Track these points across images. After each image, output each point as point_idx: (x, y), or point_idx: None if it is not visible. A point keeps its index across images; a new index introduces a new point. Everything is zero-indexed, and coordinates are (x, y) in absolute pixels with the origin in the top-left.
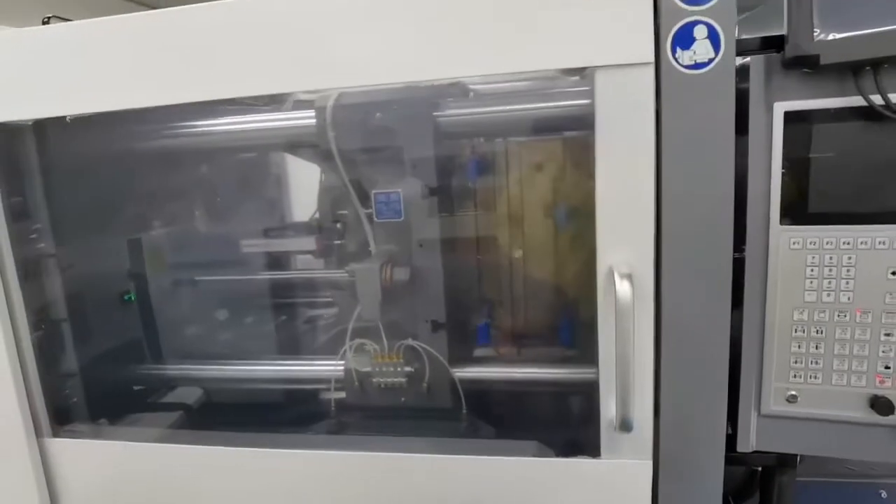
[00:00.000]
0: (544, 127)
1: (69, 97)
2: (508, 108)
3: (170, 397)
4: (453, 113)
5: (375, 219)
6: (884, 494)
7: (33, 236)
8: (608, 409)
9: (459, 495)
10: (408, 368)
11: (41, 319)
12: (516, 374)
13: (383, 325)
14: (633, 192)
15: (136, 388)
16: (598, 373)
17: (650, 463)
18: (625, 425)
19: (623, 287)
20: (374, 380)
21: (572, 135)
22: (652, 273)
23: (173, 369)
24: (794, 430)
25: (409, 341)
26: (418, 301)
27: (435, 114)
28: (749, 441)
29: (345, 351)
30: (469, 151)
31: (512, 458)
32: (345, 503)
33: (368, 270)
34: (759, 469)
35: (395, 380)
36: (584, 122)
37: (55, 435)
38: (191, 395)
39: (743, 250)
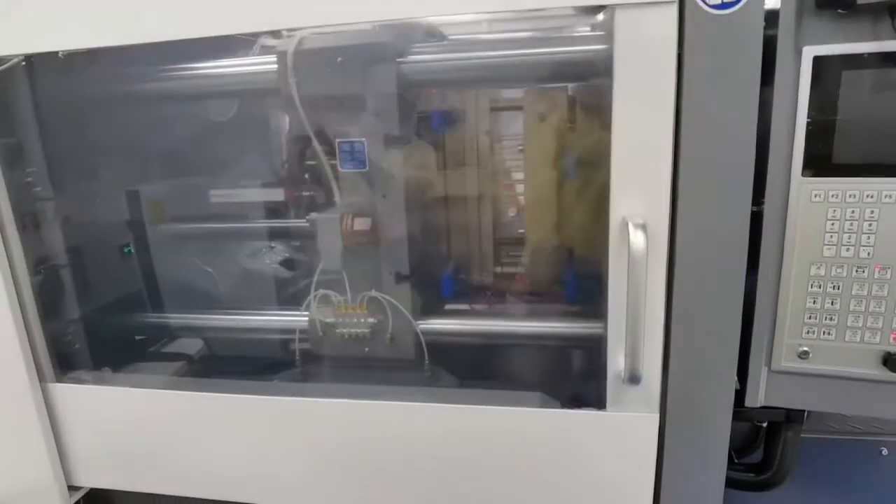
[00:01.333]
0: (534, 76)
1: (60, 31)
2: (504, 54)
3: (171, 348)
4: (421, 59)
5: (340, 168)
6: (885, 451)
7: (29, 179)
8: (615, 361)
9: (462, 444)
10: (371, 320)
11: (40, 264)
12: (484, 327)
13: (347, 276)
14: (651, 141)
15: (136, 337)
16: (589, 326)
17: (657, 416)
18: (634, 378)
19: (637, 237)
20: (338, 330)
21: (553, 84)
22: (666, 224)
23: (172, 318)
24: (804, 386)
25: (373, 292)
26: (382, 253)
27: (399, 60)
28: (758, 396)
29: (308, 301)
30: (439, 101)
31: (516, 408)
32: (352, 449)
33: (328, 220)
34: (764, 425)
35: (359, 331)
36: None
37: (58, 381)
38: (192, 346)
39: (761, 203)
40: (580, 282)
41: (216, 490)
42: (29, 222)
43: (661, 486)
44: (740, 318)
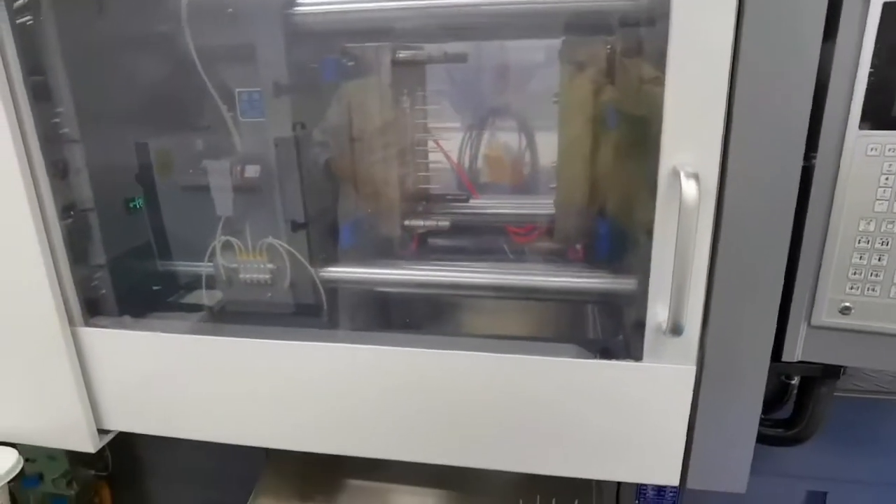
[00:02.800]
0: None
1: None
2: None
3: (189, 299)
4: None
5: (240, 118)
6: None
7: (56, 120)
8: (655, 313)
9: (493, 394)
10: (270, 266)
11: (68, 208)
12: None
13: (248, 223)
14: (705, 89)
15: (154, 287)
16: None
17: (694, 368)
18: (677, 329)
19: (689, 187)
20: (241, 276)
21: None
22: (717, 175)
23: (189, 267)
24: (844, 341)
25: (269, 239)
26: (277, 201)
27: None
28: (795, 351)
29: (213, 248)
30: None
31: (554, 358)
32: (378, 396)
33: (219, 167)
34: (793, 381)
35: (260, 276)
36: None
37: (87, 325)
38: (210, 297)
39: (812, 157)
40: (612, 237)
41: (241, 436)
42: (58, 165)
43: (693, 438)
44: (784, 271)
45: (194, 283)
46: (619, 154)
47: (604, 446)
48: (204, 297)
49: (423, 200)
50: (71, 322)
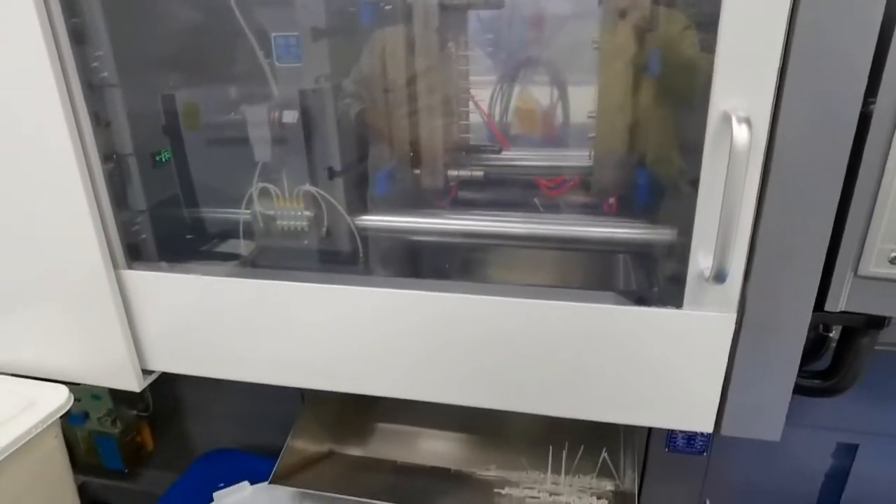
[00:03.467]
0: None
1: None
2: None
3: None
4: None
5: (276, 63)
6: None
7: (95, 64)
8: (697, 260)
9: (529, 340)
10: (307, 213)
11: (109, 152)
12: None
13: (284, 170)
14: (761, 32)
15: (193, 234)
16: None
17: (734, 315)
18: (720, 276)
19: (741, 132)
20: (278, 223)
21: None
22: (768, 120)
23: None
24: (890, 292)
25: (307, 186)
26: (314, 147)
27: None
28: (839, 301)
29: (250, 195)
30: None
31: (592, 304)
32: (413, 338)
33: (256, 112)
34: (831, 334)
35: (297, 223)
36: None
37: (130, 268)
38: (247, 246)
39: (871, 103)
40: (652, 188)
41: (278, 376)
42: (98, 109)
43: (730, 386)
44: (833, 220)
45: (232, 230)
46: (662, 102)
47: (640, 392)
48: (241, 244)
49: (456, 151)
50: (115, 265)
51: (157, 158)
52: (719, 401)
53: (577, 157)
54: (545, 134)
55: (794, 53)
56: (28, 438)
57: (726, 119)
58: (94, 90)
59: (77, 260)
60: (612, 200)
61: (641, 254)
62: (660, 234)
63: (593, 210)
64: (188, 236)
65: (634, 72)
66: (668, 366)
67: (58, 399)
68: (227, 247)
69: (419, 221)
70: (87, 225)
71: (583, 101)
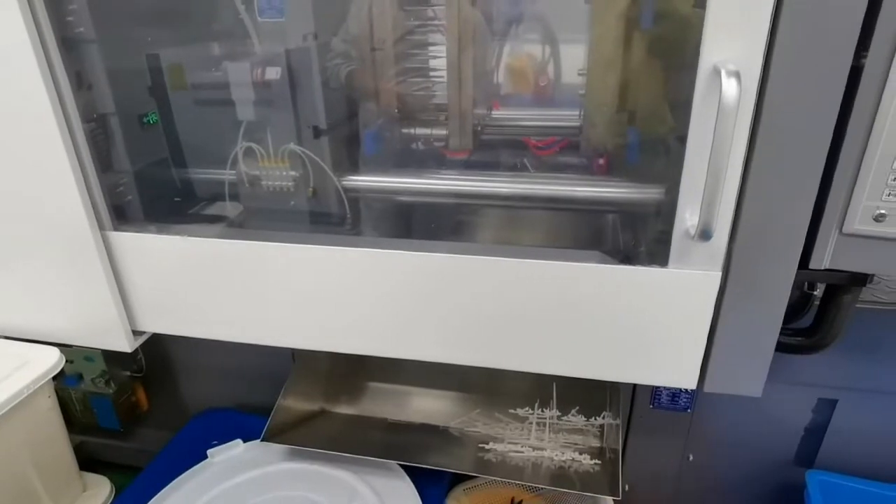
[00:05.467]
0: None
1: None
2: None
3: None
4: None
5: (259, 18)
6: None
7: (70, 18)
8: (683, 218)
9: (515, 299)
10: (293, 173)
11: (90, 111)
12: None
13: (269, 129)
14: None
15: (179, 197)
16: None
17: (719, 273)
18: (706, 233)
19: (730, 86)
20: (264, 183)
21: None
22: (758, 74)
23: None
24: (875, 249)
25: (291, 146)
26: (298, 105)
27: None
28: (824, 259)
29: (235, 154)
30: None
31: (577, 263)
32: (400, 298)
33: (239, 68)
34: (816, 292)
35: (283, 184)
36: None
37: (116, 229)
38: (233, 209)
39: (863, 56)
40: (642, 145)
41: (267, 337)
42: (76, 63)
43: (713, 343)
44: (820, 177)
45: (219, 192)
46: (654, 57)
47: (625, 350)
48: (227, 205)
49: (443, 111)
50: (101, 226)
51: (145, 120)
52: (703, 358)
53: (567, 117)
54: (536, 93)
55: (785, 5)
56: (21, 398)
57: (716, 73)
58: (70, 46)
59: (63, 222)
60: (602, 160)
61: (629, 213)
62: (648, 194)
63: (583, 170)
64: (175, 199)
65: (626, 25)
66: (653, 324)
67: (49, 359)
68: (214, 209)
69: (406, 182)
70: (70, 186)
71: (574, 60)
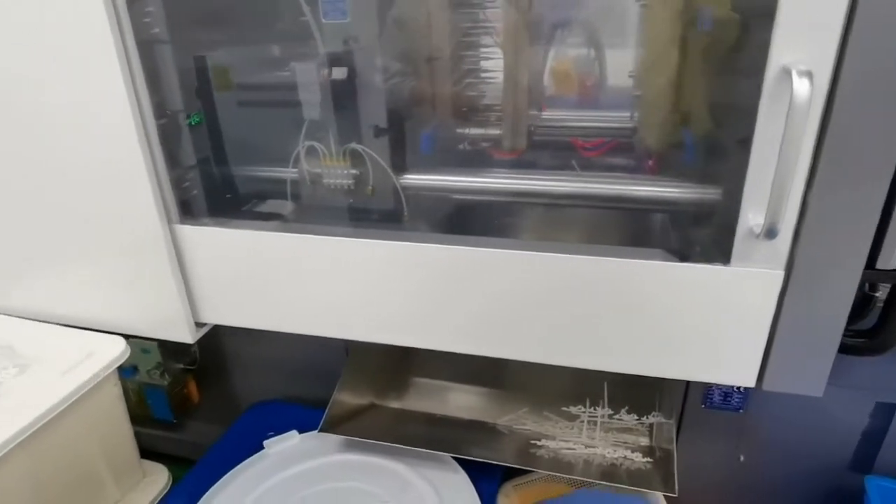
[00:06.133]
0: None
1: None
2: None
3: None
4: None
5: (323, 19)
6: None
7: (147, 20)
8: (747, 216)
9: (575, 295)
10: (353, 171)
11: (161, 108)
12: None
13: (330, 128)
14: None
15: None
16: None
17: (782, 273)
18: (772, 232)
19: (801, 86)
20: (325, 181)
21: None
22: (829, 74)
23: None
24: None
25: (353, 145)
26: (361, 105)
27: None
28: (892, 259)
29: (297, 153)
30: None
31: (640, 260)
32: (462, 295)
33: (307, 69)
34: (878, 293)
35: (343, 182)
36: None
37: (182, 223)
38: (283, 206)
39: None
40: (699, 147)
41: (324, 327)
42: (149, 62)
43: (774, 342)
44: (892, 175)
45: (274, 190)
46: (711, 58)
47: (684, 347)
48: (288, 203)
49: (497, 112)
50: (169, 220)
51: (191, 122)
52: (762, 356)
53: (616, 118)
54: (585, 95)
55: (860, 6)
56: (90, 387)
57: (786, 73)
58: (145, 46)
59: (133, 215)
60: (651, 161)
61: (680, 212)
62: (705, 193)
63: (631, 170)
64: (231, 195)
65: (683, 27)
66: (713, 321)
67: (116, 349)
68: (266, 207)
69: (463, 180)
70: (143, 180)
71: (624, 61)
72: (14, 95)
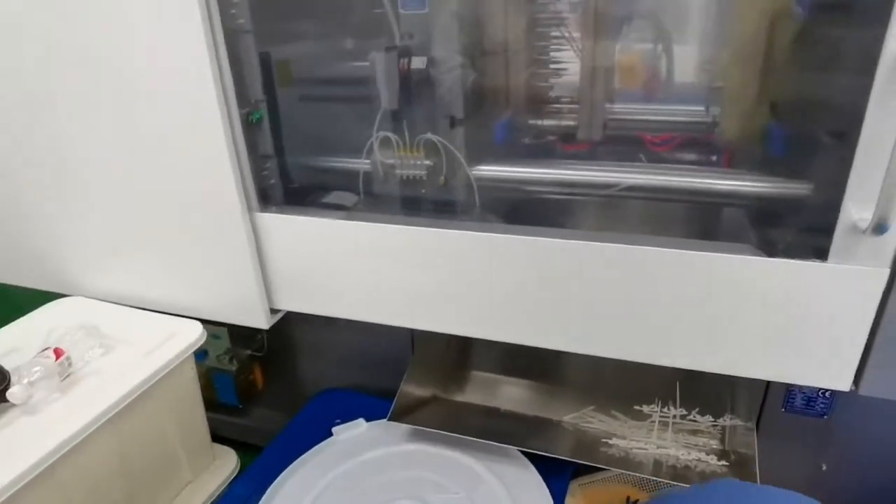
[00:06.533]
0: None
1: None
2: None
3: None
4: None
5: (401, 10)
6: None
7: (233, 11)
8: (847, 213)
9: (658, 289)
10: (427, 162)
11: (244, 97)
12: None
13: (405, 118)
14: None
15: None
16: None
17: (887, 271)
18: (881, 227)
19: None
20: (397, 172)
21: None
22: None
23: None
24: None
25: (428, 135)
26: (438, 95)
27: None
28: None
29: (370, 143)
30: None
31: (733, 255)
32: (541, 286)
33: (386, 58)
34: None
35: (416, 172)
36: None
37: (261, 211)
38: (347, 199)
39: None
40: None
41: (396, 317)
42: (233, 51)
43: (874, 343)
44: None
45: (345, 180)
46: (806, 48)
47: (774, 347)
48: (354, 194)
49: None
50: (249, 207)
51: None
52: (860, 358)
53: (687, 112)
54: (655, 88)
55: None
56: (170, 368)
57: None
58: (230, 36)
59: (216, 202)
60: (727, 155)
61: (761, 207)
62: (793, 188)
63: (705, 164)
64: (302, 186)
65: (776, 16)
66: (806, 320)
67: (194, 333)
68: (334, 198)
69: (537, 171)
70: (227, 167)
71: (698, 54)
72: (105, 84)
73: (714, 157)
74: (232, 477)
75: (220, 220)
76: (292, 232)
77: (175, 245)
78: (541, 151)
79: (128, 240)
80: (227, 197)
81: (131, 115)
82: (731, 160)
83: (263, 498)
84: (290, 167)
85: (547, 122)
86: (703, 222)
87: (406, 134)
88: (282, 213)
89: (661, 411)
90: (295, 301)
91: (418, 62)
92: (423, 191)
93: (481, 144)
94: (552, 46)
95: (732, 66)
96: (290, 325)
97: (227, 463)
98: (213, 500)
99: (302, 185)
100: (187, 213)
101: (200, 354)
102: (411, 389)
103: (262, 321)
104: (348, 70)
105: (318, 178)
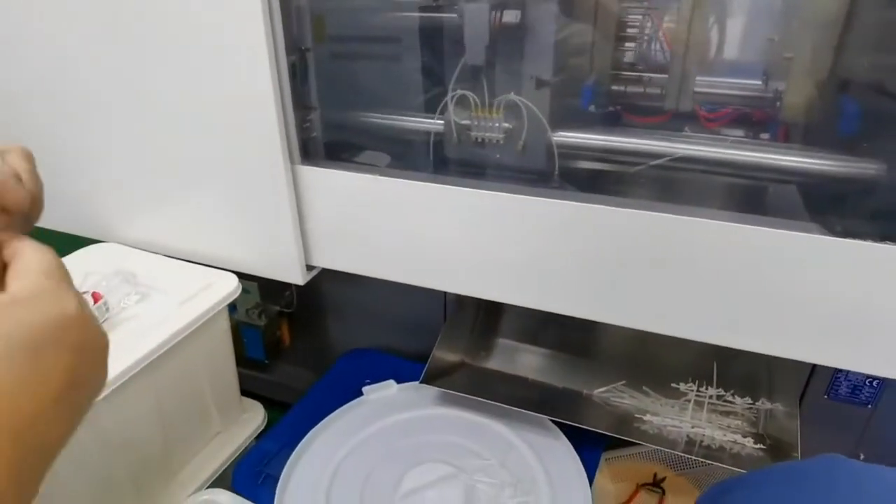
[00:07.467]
0: None
1: None
2: None
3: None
4: None
5: None
6: None
7: None
8: None
9: (721, 265)
10: (506, 125)
11: (293, 43)
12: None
13: (486, 76)
14: None
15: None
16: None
17: None
18: None
19: None
20: (472, 134)
21: None
22: None
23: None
24: None
25: (511, 96)
26: (526, 53)
27: None
28: None
29: (445, 102)
30: None
31: (800, 233)
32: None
33: (478, 10)
34: None
35: (493, 135)
36: None
37: (302, 164)
38: (380, 159)
39: None
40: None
41: (433, 279)
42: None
43: None
44: None
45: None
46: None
47: (832, 330)
48: (431, 154)
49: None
50: (291, 159)
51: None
52: None
53: (744, 87)
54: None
55: None
56: (206, 318)
57: None
58: None
59: (258, 153)
60: (784, 130)
61: (820, 186)
62: (866, 167)
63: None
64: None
65: None
66: (871, 304)
67: (229, 285)
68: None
69: (623, 140)
70: (271, 117)
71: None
72: (145, 26)
73: (773, 132)
74: (259, 430)
75: (261, 172)
76: (333, 187)
77: (213, 195)
78: (619, 120)
79: (167, 187)
80: (269, 147)
81: (172, 58)
82: (788, 136)
83: (294, 453)
84: (335, 122)
85: (631, 89)
86: (757, 201)
87: (485, 93)
88: (324, 167)
89: (698, 391)
90: (332, 259)
91: (510, 16)
92: (498, 155)
93: (566, 109)
94: (641, 9)
95: (804, 35)
96: (319, 283)
97: (255, 416)
98: (240, 451)
99: (346, 142)
100: (228, 163)
101: (231, 308)
102: (442, 354)
103: (298, 277)
104: (425, 21)
105: (368, 137)
